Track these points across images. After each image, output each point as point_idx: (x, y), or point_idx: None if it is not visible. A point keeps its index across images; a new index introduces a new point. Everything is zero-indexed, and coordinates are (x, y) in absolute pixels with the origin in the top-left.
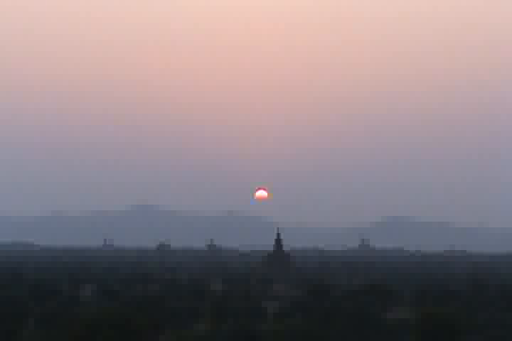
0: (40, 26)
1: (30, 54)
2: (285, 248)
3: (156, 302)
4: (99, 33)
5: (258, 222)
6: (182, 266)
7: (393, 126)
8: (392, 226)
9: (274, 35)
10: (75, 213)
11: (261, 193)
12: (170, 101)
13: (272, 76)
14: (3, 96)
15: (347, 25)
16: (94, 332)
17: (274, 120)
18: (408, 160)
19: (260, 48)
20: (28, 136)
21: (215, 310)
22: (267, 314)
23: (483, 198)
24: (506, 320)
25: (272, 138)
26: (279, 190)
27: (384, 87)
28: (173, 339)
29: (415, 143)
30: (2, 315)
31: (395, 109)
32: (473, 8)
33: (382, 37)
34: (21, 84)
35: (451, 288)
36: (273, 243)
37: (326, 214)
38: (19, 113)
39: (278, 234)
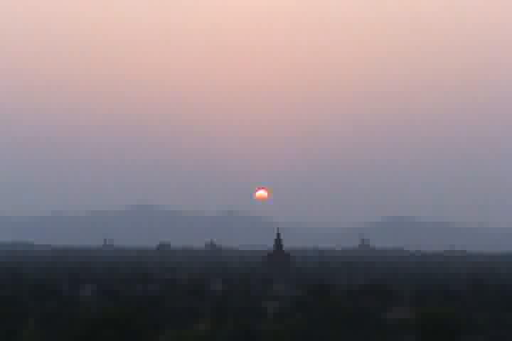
0: (40, 26)
1: (31, 54)
2: (285, 248)
3: (156, 302)
4: (99, 32)
5: (258, 222)
6: (182, 266)
7: (393, 126)
8: (392, 226)
9: (274, 35)
10: (74, 213)
11: (261, 193)
12: (170, 101)
13: (272, 76)
14: (3, 96)
15: (347, 25)
16: (94, 332)
17: (274, 120)
18: (408, 160)
19: (260, 48)
20: (28, 136)
21: (215, 310)
22: (267, 314)
23: (483, 198)
24: (506, 320)
25: (271, 138)
26: (279, 190)
27: (384, 87)
28: (173, 339)
29: (415, 143)
30: (2, 315)
31: (395, 109)
32: (473, 8)
33: (382, 37)
34: (21, 84)
35: (451, 288)
36: (273, 243)
37: (326, 214)
38: (19, 113)
39: (278, 234)
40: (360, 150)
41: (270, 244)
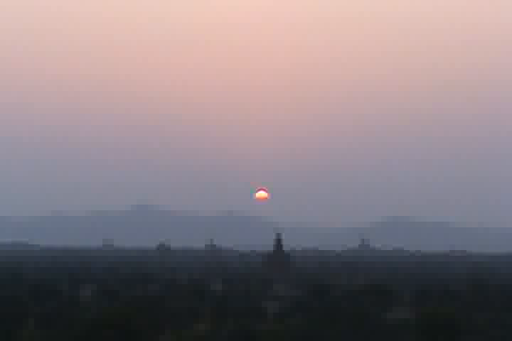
0: (40, 26)
1: (31, 54)
2: (285, 248)
3: (156, 302)
4: (99, 32)
5: (258, 222)
6: (182, 266)
7: (393, 126)
8: (392, 226)
9: (274, 35)
10: (74, 213)
11: (261, 194)
12: (170, 101)
13: (273, 76)
14: (3, 96)
15: (346, 25)
16: (94, 333)
17: (274, 120)
18: (408, 160)
19: (260, 48)
20: (28, 136)
21: (215, 310)
22: (267, 314)
23: (483, 198)
24: (506, 320)
25: (272, 138)
26: (279, 190)
27: (384, 87)
28: (173, 339)
29: (415, 143)
30: (2, 315)
31: (394, 108)
32: (472, 8)
33: (381, 37)
34: (21, 84)
35: (451, 288)
36: (273, 243)
37: (326, 214)
38: (19, 113)
39: (278, 234)
40: (361, 150)
41: (270, 244)
